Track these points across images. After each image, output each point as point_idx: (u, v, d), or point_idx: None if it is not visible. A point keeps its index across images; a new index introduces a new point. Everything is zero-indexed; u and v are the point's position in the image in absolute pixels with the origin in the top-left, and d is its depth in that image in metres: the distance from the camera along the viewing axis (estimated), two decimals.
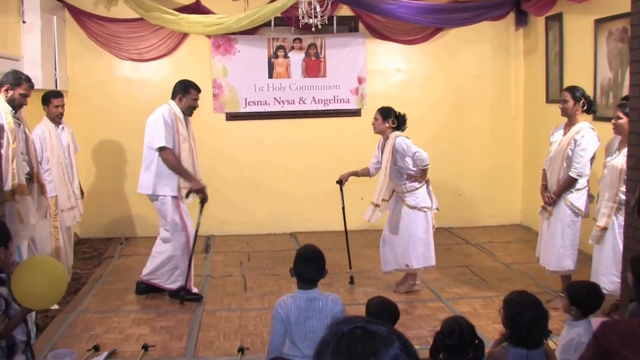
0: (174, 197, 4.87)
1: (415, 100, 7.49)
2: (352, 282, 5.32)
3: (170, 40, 7.10)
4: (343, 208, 5.36)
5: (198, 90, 4.97)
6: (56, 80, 6.48)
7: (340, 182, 5.36)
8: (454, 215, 7.68)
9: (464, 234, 7.35)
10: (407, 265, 5.06)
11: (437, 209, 5.21)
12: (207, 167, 7.25)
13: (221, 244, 7.05)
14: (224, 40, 7.17)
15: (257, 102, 7.33)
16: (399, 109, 7.36)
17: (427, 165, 5.01)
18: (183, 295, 4.93)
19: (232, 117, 7.35)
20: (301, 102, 7.38)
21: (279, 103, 7.36)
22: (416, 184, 5.03)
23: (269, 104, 7.34)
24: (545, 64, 7.05)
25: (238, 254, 6.65)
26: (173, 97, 4.92)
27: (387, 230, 5.23)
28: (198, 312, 4.83)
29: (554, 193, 4.73)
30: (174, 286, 5.03)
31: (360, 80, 7.44)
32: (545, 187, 4.90)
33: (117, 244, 7.02)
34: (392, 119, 5.06)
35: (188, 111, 4.93)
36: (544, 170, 4.97)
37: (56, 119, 5.37)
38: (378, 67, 7.51)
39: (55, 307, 4.80)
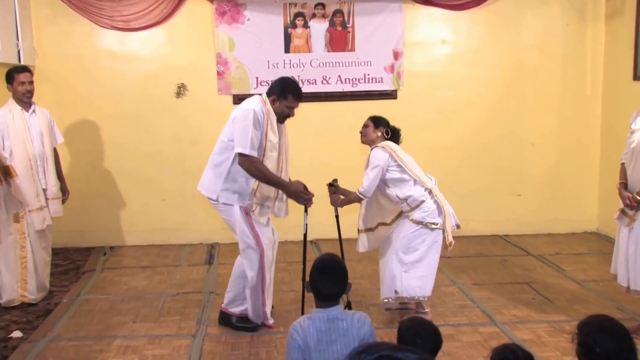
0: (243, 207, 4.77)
1: (463, 78, 7.43)
2: (348, 306, 5.08)
3: (164, 5, 7.08)
4: (337, 216, 5.24)
5: (299, 97, 4.79)
6: (19, 52, 6.49)
7: (332, 185, 5.21)
8: (510, 219, 7.60)
9: (524, 243, 7.26)
10: (396, 292, 4.90)
11: (458, 225, 5.00)
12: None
13: (227, 254, 7.00)
14: (230, 5, 7.14)
15: (271, 81, 7.26)
16: (444, 89, 7.47)
17: (359, 198, 4.91)
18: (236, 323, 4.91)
19: (240, 100, 7.21)
20: (324, 81, 7.33)
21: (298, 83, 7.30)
22: (418, 197, 4.85)
23: None
24: (635, 31, 6.87)
25: None
26: (268, 94, 4.79)
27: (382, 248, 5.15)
28: (199, 337, 4.80)
29: (638, 193, 4.59)
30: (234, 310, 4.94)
31: (397, 55, 7.37)
32: (624, 186, 4.75)
33: (100, 255, 7.04)
34: (384, 128, 4.99)
35: (280, 118, 4.82)
36: (622, 164, 4.83)
37: (24, 99, 5.37)
38: (418, 38, 7.44)
39: (18, 334, 4.79)
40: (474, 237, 7.36)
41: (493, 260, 6.68)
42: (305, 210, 4.88)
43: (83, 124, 7.21)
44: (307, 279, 3.20)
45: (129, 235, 7.38)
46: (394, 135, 5.04)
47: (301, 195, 4.75)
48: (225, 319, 4.97)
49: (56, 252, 6.89)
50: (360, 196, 4.89)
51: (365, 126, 5.07)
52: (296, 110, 4.85)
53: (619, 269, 4.83)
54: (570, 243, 7.29)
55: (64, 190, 5.74)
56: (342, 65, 7.35)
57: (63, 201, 5.75)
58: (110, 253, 7.13)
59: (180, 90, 7.21)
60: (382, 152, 4.87)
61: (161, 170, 7.33)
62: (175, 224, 7.42)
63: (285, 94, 4.73)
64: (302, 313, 4.83)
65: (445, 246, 4.93)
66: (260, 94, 4.83)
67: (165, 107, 7.23)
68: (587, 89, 7.58)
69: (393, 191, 4.88)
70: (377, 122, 5.04)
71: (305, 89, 7.27)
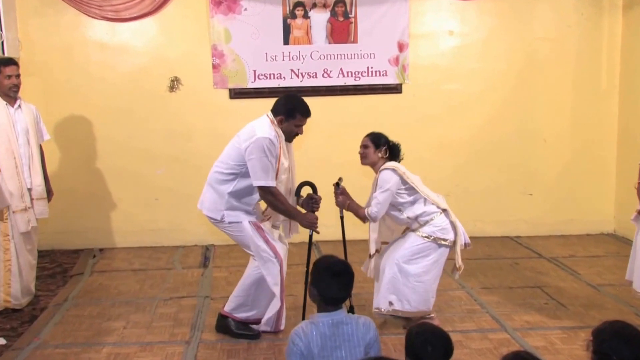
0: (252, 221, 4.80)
1: (472, 71, 7.42)
2: (351, 310, 5.07)
3: None
4: (342, 217, 5.22)
5: (307, 114, 4.77)
6: (2, 43, 6.48)
7: (337, 184, 5.16)
8: (521, 220, 7.59)
9: (536, 245, 7.26)
10: (391, 304, 4.85)
11: (468, 244, 4.94)
12: (204, 157, 7.25)
13: (223, 256, 7.03)
14: None
15: (269, 75, 7.28)
16: (451, 82, 7.46)
17: (365, 219, 4.89)
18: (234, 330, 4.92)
19: (237, 94, 7.32)
20: (325, 75, 7.32)
21: (297, 76, 7.31)
22: (430, 213, 4.81)
23: (284, 78, 7.29)
24: None
25: (244, 268, 6.53)
26: (275, 114, 4.76)
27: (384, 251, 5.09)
28: (193, 344, 4.79)
29: None
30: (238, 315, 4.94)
31: (402, 47, 7.35)
32: None
33: (88, 257, 7.03)
34: (385, 146, 4.91)
35: (289, 137, 4.83)
36: None
37: (10, 93, 5.35)
38: (424, 29, 7.43)
39: (2, 341, 4.77)
40: (482, 239, 7.36)
41: (503, 262, 6.67)
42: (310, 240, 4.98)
43: (71, 119, 7.21)
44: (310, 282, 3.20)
45: (120, 237, 7.38)
46: (393, 152, 4.93)
47: (314, 226, 4.84)
48: (223, 326, 4.95)
49: (42, 255, 6.90)
50: (369, 218, 4.84)
51: (364, 146, 4.94)
52: None
53: (635, 274, 4.81)
54: (585, 245, 7.28)
55: (48, 191, 5.72)
56: (344, 58, 7.33)
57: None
58: (99, 255, 7.12)
59: (174, 84, 7.20)
60: (393, 175, 4.75)
61: (153, 168, 7.32)
62: (169, 225, 7.42)
63: (294, 114, 4.73)
64: (303, 318, 4.83)
65: (454, 268, 4.94)
66: (267, 114, 4.79)
67: (158, 102, 7.22)
68: (603, 83, 7.57)
69: (404, 214, 4.83)
70: (377, 141, 4.91)
71: (306, 82, 7.31)
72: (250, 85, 7.26)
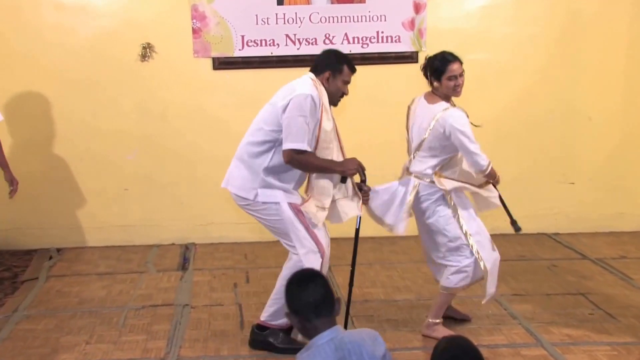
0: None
1: (503, 37, 7.42)
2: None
3: None
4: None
5: (353, 68, 4.87)
6: None
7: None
8: (561, 214, 7.61)
9: (578, 243, 7.28)
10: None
11: None
12: (182, 139, 7.26)
13: (206, 257, 7.05)
14: None
15: (260, 41, 7.26)
16: (477, 50, 7.44)
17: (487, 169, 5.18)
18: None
19: (222, 64, 7.30)
20: (327, 41, 7.30)
21: (294, 43, 7.30)
22: None
23: (277, 45, 7.27)
24: None
25: (231, 271, 6.65)
26: (319, 72, 4.81)
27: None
28: None
29: None
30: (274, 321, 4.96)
31: (418, 8, 7.33)
32: None
33: (44, 259, 7.03)
34: None
35: (334, 100, 4.88)
36: None
37: None
38: None
39: None
40: (514, 236, 7.29)
41: (539, 265, 6.69)
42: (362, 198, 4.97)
43: (22, 94, 7.20)
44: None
45: (82, 234, 7.39)
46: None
47: (360, 167, 4.82)
48: (263, 341, 4.95)
49: None
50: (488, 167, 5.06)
51: (461, 75, 5.05)
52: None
53: None
54: (638, 244, 7.31)
55: (10, 180, 5.76)
56: (350, 21, 7.32)
57: (11, 194, 5.78)
58: (57, 257, 7.12)
59: (146, 52, 7.17)
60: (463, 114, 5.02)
61: (123, 152, 7.32)
62: (141, 220, 7.43)
63: (341, 67, 4.77)
64: (345, 326, 4.87)
65: None
66: (308, 75, 4.82)
67: (127, 73, 7.20)
68: None
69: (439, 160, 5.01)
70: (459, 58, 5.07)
71: (304, 50, 7.29)
72: (238, 53, 7.24)
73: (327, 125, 4.70)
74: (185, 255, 7.07)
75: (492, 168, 5.04)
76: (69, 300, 5.92)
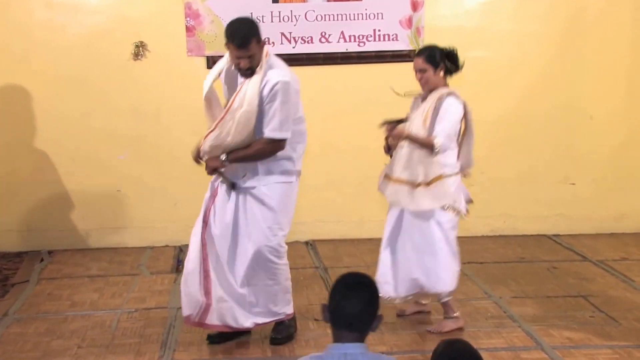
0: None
1: (504, 34, 7.42)
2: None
3: None
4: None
5: (234, 43, 4.84)
6: None
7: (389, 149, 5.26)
8: (561, 215, 7.61)
9: (579, 245, 7.28)
10: None
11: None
12: (176, 139, 7.23)
13: None
14: None
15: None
16: (477, 48, 7.40)
17: (435, 149, 5.05)
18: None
19: (215, 62, 7.23)
20: (323, 39, 7.30)
21: (289, 41, 7.29)
22: (453, 167, 5.20)
23: (273, 44, 7.22)
24: None
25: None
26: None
27: None
28: None
29: None
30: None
31: (416, 5, 7.33)
32: None
33: (35, 262, 7.01)
34: (442, 63, 5.16)
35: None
36: None
37: None
38: None
39: None
40: (514, 237, 7.35)
41: (539, 266, 6.68)
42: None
43: (12, 91, 7.17)
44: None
45: (73, 237, 7.35)
46: (454, 63, 5.20)
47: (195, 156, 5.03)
48: (286, 336, 5.14)
49: None
50: (436, 148, 4.93)
51: (421, 71, 5.09)
52: None
53: None
54: None
55: None
56: (346, 19, 7.30)
57: None
58: (48, 259, 7.09)
59: (139, 51, 7.15)
60: (459, 104, 5.09)
61: (115, 153, 7.29)
62: (134, 222, 7.41)
63: (227, 44, 4.88)
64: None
65: None
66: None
67: (120, 72, 7.18)
68: None
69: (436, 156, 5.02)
70: (433, 58, 5.09)
71: (299, 49, 7.29)
72: None
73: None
74: (179, 257, 7.02)
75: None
76: (61, 303, 5.90)
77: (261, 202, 4.81)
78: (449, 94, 5.05)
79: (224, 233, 4.82)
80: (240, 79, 4.87)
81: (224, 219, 4.83)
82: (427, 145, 4.91)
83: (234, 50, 4.78)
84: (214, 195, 4.92)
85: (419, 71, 5.08)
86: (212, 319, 4.86)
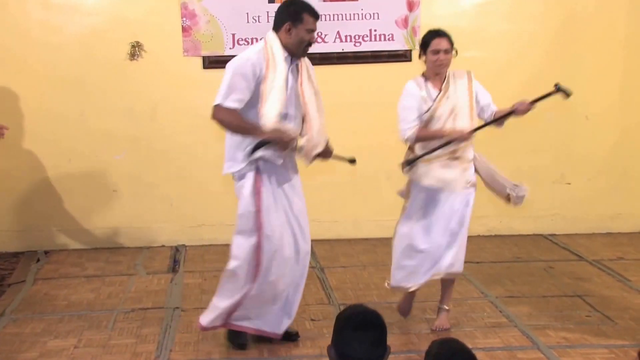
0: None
1: (499, 35, 7.44)
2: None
3: None
4: None
5: (315, 14, 4.79)
6: None
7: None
8: (557, 215, 7.61)
9: (575, 244, 7.29)
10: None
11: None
12: (172, 139, 7.24)
13: (197, 259, 7.05)
14: None
15: (252, 40, 7.23)
16: (472, 48, 7.41)
17: None
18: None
19: (212, 63, 7.29)
20: (319, 39, 7.28)
21: None
22: None
23: None
24: None
25: (222, 273, 6.56)
26: (275, 29, 4.79)
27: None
28: None
29: None
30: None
31: (412, 5, 7.35)
32: None
33: (31, 262, 7.01)
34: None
35: (298, 51, 4.79)
36: None
37: None
38: None
39: None
40: (510, 237, 7.37)
41: (535, 266, 6.69)
42: None
43: (8, 91, 7.16)
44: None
45: (70, 236, 7.36)
46: None
47: (280, 139, 4.72)
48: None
49: None
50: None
51: (445, 51, 5.13)
52: None
53: None
54: (636, 245, 7.31)
55: None
56: (342, 19, 7.33)
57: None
58: (44, 259, 7.10)
59: (135, 51, 7.16)
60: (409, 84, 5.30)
61: (112, 153, 7.30)
62: (130, 222, 7.42)
63: (301, 15, 4.72)
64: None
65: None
66: (268, 34, 4.82)
67: (116, 72, 7.19)
68: None
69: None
70: (449, 36, 5.18)
71: None
72: (228, 52, 7.21)
73: (279, 78, 4.68)
74: (176, 258, 7.06)
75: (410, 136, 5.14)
76: (57, 303, 5.90)
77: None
78: (468, 71, 5.27)
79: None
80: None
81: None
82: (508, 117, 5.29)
83: (312, 24, 4.73)
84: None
85: (444, 52, 5.09)
86: None
